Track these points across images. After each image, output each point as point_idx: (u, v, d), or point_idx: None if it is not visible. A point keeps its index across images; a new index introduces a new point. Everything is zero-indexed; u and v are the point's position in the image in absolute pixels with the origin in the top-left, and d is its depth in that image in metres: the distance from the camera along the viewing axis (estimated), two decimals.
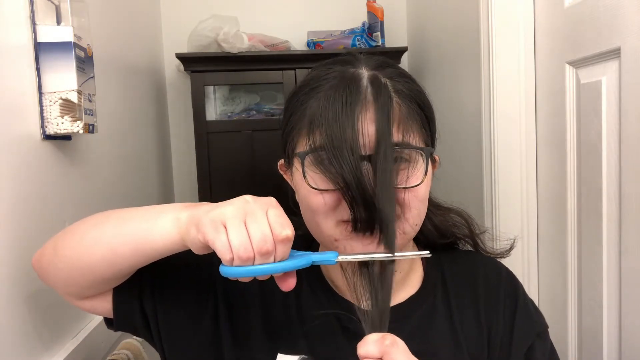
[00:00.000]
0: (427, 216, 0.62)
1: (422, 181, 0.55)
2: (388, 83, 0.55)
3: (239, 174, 1.70)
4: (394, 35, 1.96)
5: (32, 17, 0.81)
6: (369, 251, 0.53)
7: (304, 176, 0.54)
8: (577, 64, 1.05)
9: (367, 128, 0.51)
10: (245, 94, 1.85)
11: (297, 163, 0.56)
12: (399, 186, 0.53)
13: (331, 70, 0.56)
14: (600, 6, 0.95)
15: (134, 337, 1.06)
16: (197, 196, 1.70)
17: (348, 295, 0.61)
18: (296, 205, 0.60)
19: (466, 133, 1.40)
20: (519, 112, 1.20)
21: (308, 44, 1.83)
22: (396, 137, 0.53)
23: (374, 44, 1.76)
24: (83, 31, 0.87)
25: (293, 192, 0.61)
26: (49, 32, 0.82)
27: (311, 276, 0.63)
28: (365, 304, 0.53)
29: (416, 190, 0.54)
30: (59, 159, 0.91)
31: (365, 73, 0.55)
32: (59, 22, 0.83)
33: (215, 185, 1.69)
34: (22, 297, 0.77)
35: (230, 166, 1.70)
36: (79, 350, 0.90)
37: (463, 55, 1.40)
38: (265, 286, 0.59)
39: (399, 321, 0.58)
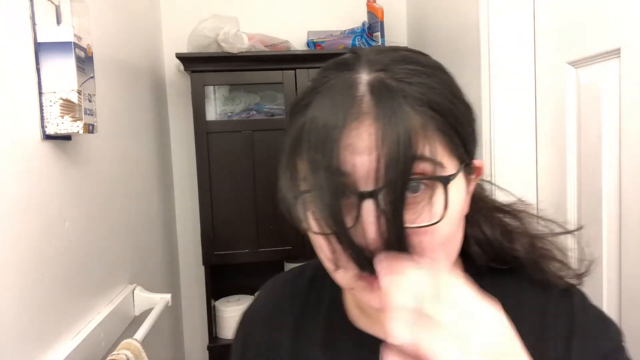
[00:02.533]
0: (477, 227, 0.52)
1: (440, 218, 0.41)
2: (394, 85, 0.42)
3: (239, 174, 1.70)
4: (394, 35, 1.96)
5: (32, 17, 0.81)
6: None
7: (300, 219, 0.44)
8: (577, 64, 1.05)
9: (365, 157, 0.40)
10: (245, 94, 1.85)
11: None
12: (409, 225, 0.41)
13: (325, 77, 0.46)
14: (600, 6, 0.95)
15: (134, 337, 1.06)
16: (197, 196, 1.70)
17: (376, 326, 0.54)
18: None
19: None
20: (519, 112, 1.20)
21: (308, 44, 1.83)
22: (404, 161, 0.40)
23: (373, 44, 1.76)
24: (83, 31, 0.87)
25: None
26: (49, 32, 0.82)
27: (334, 317, 0.57)
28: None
29: (433, 230, 0.42)
30: (59, 159, 0.91)
31: (364, 78, 0.43)
32: (59, 22, 0.83)
33: (215, 186, 1.69)
34: (22, 297, 0.77)
35: (230, 166, 1.70)
36: (79, 350, 0.90)
37: (463, 55, 1.40)
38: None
39: None
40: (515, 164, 1.21)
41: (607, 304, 0.98)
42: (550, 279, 0.54)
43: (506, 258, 0.55)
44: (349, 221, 0.40)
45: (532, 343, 0.43)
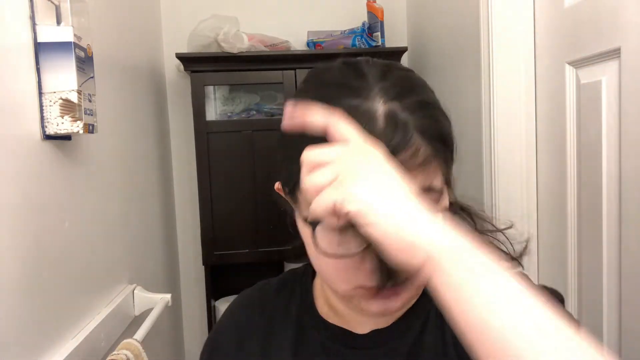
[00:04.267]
0: None
1: None
2: (409, 120, 0.44)
3: (239, 174, 1.70)
4: (394, 35, 1.96)
5: (32, 17, 0.81)
6: (390, 307, 0.48)
7: (315, 245, 0.44)
8: (577, 64, 1.05)
9: None
10: (245, 94, 1.85)
11: (305, 225, 0.48)
12: None
13: (339, 102, 0.45)
14: (600, 6, 0.95)
15: (134, 337, 1.06)
16: (197, 196, 1.70)
17: (346, 321, 0.57)
18: (295, 228, 0.52)
19: (466, 133, 1.40)
20: (519, 112, 1.20)
21: (308, 44, 1.83)
22: (419, 186, 0.44)
23: (374, 44, 1.76)
24: (83, 31, 0.87)
25: (292, 212, 0.53)
26: (49, 32, 0.82)
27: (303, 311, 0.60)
28: (362, 328, 0.51)
29: None
30: (59, 159, 0.91)
31: (380, 109, 0.44)
32: (59, 22, 0.83)
33: (215, 185, 1.69)
34: (22, 297, 0.77)
35: (230, 166, 1.70)
36: (79, 350, 0.90)
37: (463, 55, 1.40)
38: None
39: (396, 340, 0.55)
40: (515, 164, 1.21)
41: (607, 304, 0.98)
42: None
43: None
44: (362, 244, 0.44)
45: None
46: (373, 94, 0.45)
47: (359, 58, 0.51)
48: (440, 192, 0.47)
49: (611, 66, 0.93)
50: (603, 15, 0.94)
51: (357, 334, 0.56)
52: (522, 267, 0.62)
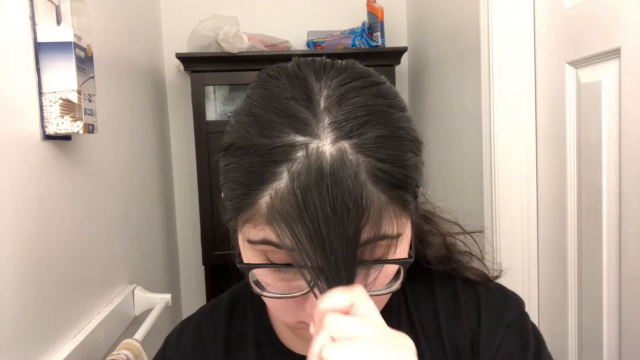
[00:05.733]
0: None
1: (397, 287, 0.44)
2: (361, 164, 0.38)
3: None
4: (394, 35, 1.96)
5: (32, 17, 0.81)
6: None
7: (256, 287, 0.44)
8: (577, 64, 1.05)
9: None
10: (245, 94, 1.85)
11: (248, 256, 0.46)
12: (373, 291, 0.43)
13: (281, 139, 0.39)
14: (600, 6, 0.95)
15: (134, 337, 1.06)
16: (197, 196, 1.70)
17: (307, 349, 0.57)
18: (240, 262, 0.48)
19: (466, 133, 1.40)
20: (519, 112, 1.20)
21: (308, 44, 1.83)
22: (370, 239, 0.40)
23: (374, 44, 1.76)
24: (83, 31, 0.87)
25: (235, 248, 0.50)
26: (49, 32, 0.82)
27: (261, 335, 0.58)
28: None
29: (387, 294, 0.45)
30: (59, 159, 0.91)
31: (327, 150, 0.38)
32: (59, 22, 0.83)
33: (215, 185, 1.69)
34: (22, 297, 0.77)
35: None
36: (79, 350, 0.90)
37: (463, 55, 1.40)
38: None
39: None
40: (515, 164, 1.21)
41: (607, 304, 0.98)
42: (459, 271, 0.59)
43: (420, 260, 0.58)
44: (304, 287, 0.42)
45: (452, 328, 0.55)
46: (320, 130, 0.39)
47: (315, 62, 0.45)
48: (396, 237, 0.42)
49: (611, 66, 0.93)
50: (603, 15, 0.94)
51: None
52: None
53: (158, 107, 1.79)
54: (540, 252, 1.22)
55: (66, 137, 0.93)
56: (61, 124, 0.83)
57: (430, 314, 0.57)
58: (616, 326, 0.96)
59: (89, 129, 0.88)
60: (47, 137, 0.85)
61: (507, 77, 1.21)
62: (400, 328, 0.48)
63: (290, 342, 0.57)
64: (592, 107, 0.99)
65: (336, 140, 0.39)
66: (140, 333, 1.10)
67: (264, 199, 0.39)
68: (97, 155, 1.10)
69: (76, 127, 0.84)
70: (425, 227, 0.59)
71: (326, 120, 0.39)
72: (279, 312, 0.47)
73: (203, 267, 1.75)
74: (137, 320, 1.22)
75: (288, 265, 0.41)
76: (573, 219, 1.08)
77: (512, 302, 0.57)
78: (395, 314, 0.57)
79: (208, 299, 1.76)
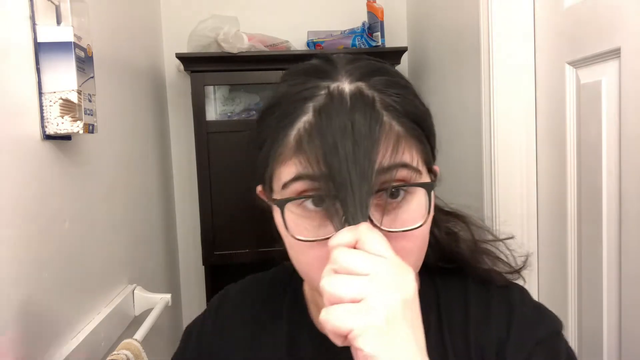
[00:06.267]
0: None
1: (424, 222, 0.45)
2: (376, 97, 0.44)
3: (239, 174, 1.70)
4: (394, 35, 1.96)
5: (32, 17, 0.81)
6: None
7: (285, 226, 0.45)
8: (577, 64, 1.05)
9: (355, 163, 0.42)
10: (245, 94, 1.85)
11: (276, 210, 0.48)
12: (394, 229, 0.44)
13: (306, 86, 0.46)
14: (600, 6, 0.95)
15: (134, 337, 1.06)
16: (197, 196, 1.70)
17: None
18: (279, 235, 0.52)
19: (466, 133, 1.40)
20: (519, 112, 1.20)
21: (308, 44, 1.83)
22: (391, 165, 0.43)
23: (374, 44, 1.76)
24: (83, 31, 0.87)
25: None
26: (49, 32, 0.82)
27: (295, 317, 0.59)
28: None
29: (414, 234, 0.45)
30: (59, 159, 0.91)
31: (347, 87, 0.45)
32: (59, 22, 0.83)
33: (215, 185, 1.69)
34: (22, 297, 0.77)
35: (230, 166, 1.70)
36: (79, 350, 0.90)
37: (463, 55, 1.40)
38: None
39: None
40: (515, 164, 1.21)
41: (607, 304, 0.98)
42: (492, 275, 0.59)
43: (452, 257, 0.59)
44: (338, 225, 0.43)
45: (480, 333, 0.54)
46: (340, 76, 0.46)
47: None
48: (417, 171, 0.45)
49: (611, 66, 0.93)
50: (603, 15, 0.94)
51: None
52: (524, 279, 0.62)
53: (158, 107, 1.79)
54: (540, 252, 1.22)
55: (66, 137, 0.93)
56: (61, 124, 0.83)
57: (461, 314, 0.56)
58: (616, 326, 0.96)
59: (89, 129, 0.88)
60: (47, 137, 0.85)
61: (507, 77, 1.21)
62: (429, 324, 0.51)
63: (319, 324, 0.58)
64: (592, 107, 0.99)
65: (352, 81, 0.46)
66: (140, 333, 1.10)
67: (294, 133, 0.45)
68: (97, 155, 1.10)
69: (76, 127, 0.84)
70: (454, 228, 0.60)
71: (343, 71, 0.47)
72: (312, 270, 0.46)
73: (203, 267, 1.75)
74: (137, 320, 1.22)
75: (315, 197, 0.43)
76: (573, 219, 1.08)
77: (547, 320, 0.57)
78: (425, 307, 0.56)
79: (208, 299, 1.76)
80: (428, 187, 0.45)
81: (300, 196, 0.44)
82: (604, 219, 0.97)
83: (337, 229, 0.41)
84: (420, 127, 0.47)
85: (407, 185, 0.44)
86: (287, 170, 0.45)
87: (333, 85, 0.45)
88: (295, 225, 0.45)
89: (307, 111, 0.44)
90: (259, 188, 0.54)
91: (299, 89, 0.46)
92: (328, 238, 0.41)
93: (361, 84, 0.45)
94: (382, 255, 0.38)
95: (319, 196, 0.43)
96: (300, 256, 0.48)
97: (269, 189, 0.50)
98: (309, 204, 0.44)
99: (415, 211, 0.45)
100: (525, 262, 0.61)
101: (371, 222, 0.42)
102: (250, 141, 0.52)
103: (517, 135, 1.21)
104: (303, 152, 0.43)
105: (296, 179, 0.44)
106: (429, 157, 0.49)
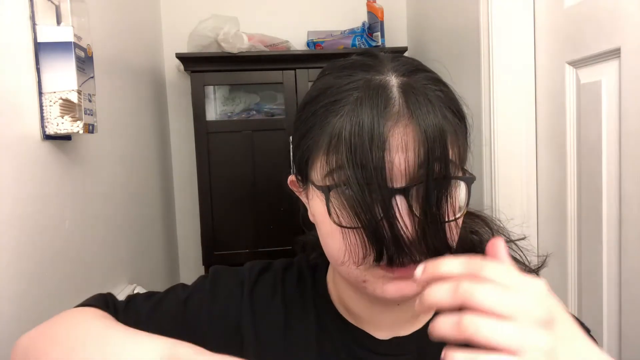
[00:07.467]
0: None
1: (462, 214, 0.47)
2: (426, 91, 0.46)
3: (239, 174, 1.70)
4: (394, 35, 1.96)
5: (32, 17, 0.81)
6: (405, 291, 0.47)
7: (329, 212, 0.46)
8: (577, 64, 1.05)
9: (401, 155, 0.43)
10: (245, 94, 1.85)
11: (318, 194, 0.48)
12: (446, 220, 0.45)
13: (353, 78, 0.47)
14: (600, 6, 0.95)
15: None
16: (197, 196, 1.70)
17: (364, 324, 0.56)
18: (306, 224, 0.54)
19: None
20: (519, 112, 1.20)
21: (308, 44, 1.83)
22: (440, 162, 0.44)
23: (374, 44, 1.76)
24: (83, 31, 0.87)
25: (305, 210, 0.54)
26: (49, 32, 0.82)
27: (321, 307, 0.59)
28: (382, 334, 0.51)
29: (455, 224, 0.47)
30: (59, 159, 0.91)
31: (394, 81, 0.46)
32: (59, 22, 0.83)
33: (215, 185, 1.69)
34: (22, 297, 0.77)
35: (230, 166, 1.70)
36: None
37: (463, 55, 1.40)
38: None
39: (411, 353, 0.54)
40: (515, 163, 1.21)
41: (607, 304, 0.98)
42: None
43: (477, 253, 0.59)
44: (384, 214, 0.43)
45: None
46: (386, 70, 0.47)
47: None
48: (457, 166, 0.47)
49: (611, 66, 0.93)
50: (603, 15, 0.94)
51: (379, 339, 0.55)
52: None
53: (158, 107, 1.79)
54: (540, 252, 1.22)
55: (66, 137, 0.93)
56: (61, 124, 0.83)
57: None
58: (616, 326, 0.96)
59: (89, 129, 0.88)
60: (47, 137, 0.85)
61: (507, 77, 1.21)
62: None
63: (347, 311, 0.58)
64: (592, 107, 0.99)
65: (398, 76, 0.47)
66: None
67: (342, 121, 0.45)
68: (97, 155, 1.10)
69: (76, 127, 0.84)
70: (477, 228, 0.61)
71: (390, 66, 0.48)
72: (349, 257, 0.46)
73: (203, 267, 1.75)
74: None
75: (361, 185, 0.43)
76: (573, 219, 1.08)
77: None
78: None
79: None
80: (469, 181, 0.47)
81: (347, 183, 0.44)
82: (604, 218, 0.97)
83: (380, 217, 0.43)
84: (460, 121, 0.49)
85: (453, 178, 0.45)
86: (333, 158, 0.45)
87: (382, 78, 0.46)
88: (334, 213, 0.46)
89: (356, 101, 0.45)
90: (291, 177, 0.55)
91: (346, 80, 0.47)
92: (370, 224, 0.43)
93: (408, 79, 0.46)
94: (516, 287, 0.35)
95: (365, 184, 0.43)
96: (337, 243, 0.48)
97: (308, 177, 0.50)
98: (351, 191, 0.44)
99: (453, 205, 0.46)
100: (544, 262, 0.63)
101: (417, 211, 0.43)
102: (293, 130, 0.53)
103: (517, 135, 1.21)
104: (350, 141, 0.43)
105: (339, 167, 0.45)
106: (466, 154, 0.50)
